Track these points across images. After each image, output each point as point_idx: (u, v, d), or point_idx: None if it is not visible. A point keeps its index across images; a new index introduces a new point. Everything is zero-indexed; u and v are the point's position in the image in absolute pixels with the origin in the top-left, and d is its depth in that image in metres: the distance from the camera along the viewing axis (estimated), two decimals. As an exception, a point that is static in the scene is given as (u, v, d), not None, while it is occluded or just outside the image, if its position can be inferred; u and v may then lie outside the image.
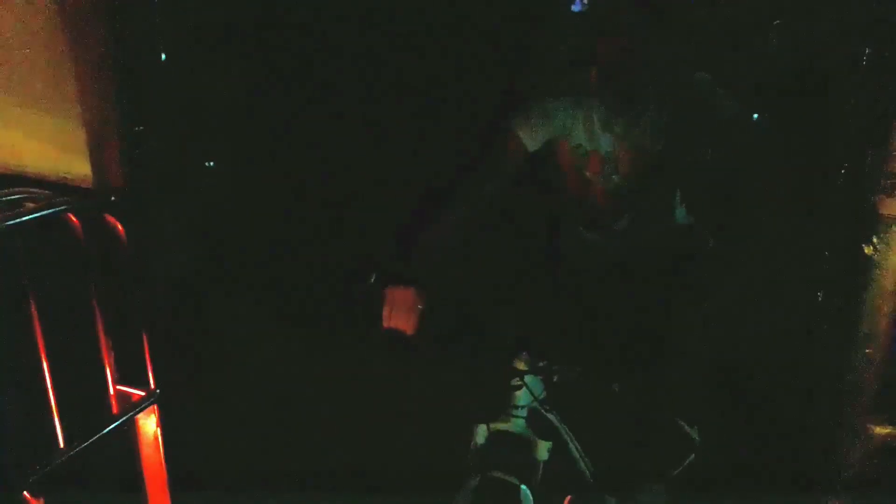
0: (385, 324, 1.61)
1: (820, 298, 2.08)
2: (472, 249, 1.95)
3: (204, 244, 2.44)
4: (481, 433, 1.71)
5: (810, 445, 2.13)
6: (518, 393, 1.68)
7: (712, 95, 1.79)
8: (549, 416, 1.73)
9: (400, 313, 1.60)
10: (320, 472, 2.15)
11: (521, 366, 1.67)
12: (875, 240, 1.88)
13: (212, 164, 2.51)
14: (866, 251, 1.89)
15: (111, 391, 1.83)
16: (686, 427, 2.00)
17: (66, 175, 1.90)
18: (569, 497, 1.84)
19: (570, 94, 1.85)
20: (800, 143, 2.09)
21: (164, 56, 2.16)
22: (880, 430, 2.00)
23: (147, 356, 1.85)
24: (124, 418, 1.81)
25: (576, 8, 2.52)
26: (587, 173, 1.89)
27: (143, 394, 1.85)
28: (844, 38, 2.03)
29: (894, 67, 1.88)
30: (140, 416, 1.87)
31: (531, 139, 1.86)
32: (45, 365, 1.64)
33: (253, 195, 2.65)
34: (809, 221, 2.11)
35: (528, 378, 1.67)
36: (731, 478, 2.06)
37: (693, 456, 1.97)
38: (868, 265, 1.88)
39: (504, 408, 1.71)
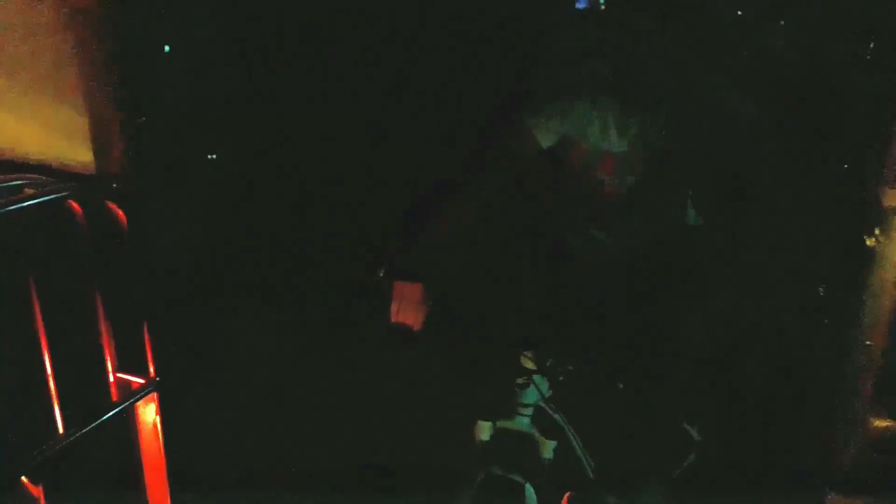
0: (392, 318, 1.60)
1: (822, 290, 2.08)
2: (480, 246, 1.95)
3: (206, 235, 2.44)
4: (486, 431, 1.71)
5: (810, 437, 2.12)
6: (524, 391, 1.68)
7: (726, 96, 1.80)
8: (555, 414, 1.73)
9: (408, 308, 1.59)
10: (323, 469, 2.15)
11: (529, 364, 1.67)
12: (877, 231, 1.87)
13: (214, 156, 2.51)
14: (868, 243, 1.88)
15: (111, 379, 1.83)
16: (687, 426, 2.00)
17: (68, 162, 1.89)
18: (568, 493, 1.84)
19: (585, 92, 1.84)
20: (803, 136, 2.08)
21: (167, 48, 2.17)
22: (879, 423, 1.99)
23: (147, 344, 1.85)
24: (123, 405, 1.81)
25: (580, 5, 2.51)
26: (600, 173, 1.88)
27: (142, 382, 1.85)
28: (848, 32, 2.02)
29: (897, 60, 1.88)
30: (139, 404, 1.86)
31: (544, 136, 1.84)
32: (44, 351, 1.63)
33: (257, 187, 2.65)
34: (812, 214, 2.10)
35: (535, 376, 1.67)
36: (731, 471, 2.05)
37: (693, 456, 1.97)
38: (870, 257, 1.88)
39: (509, 406, 1.70)
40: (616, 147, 1.83)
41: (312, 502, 2.11)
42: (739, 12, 2.43)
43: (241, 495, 2.11)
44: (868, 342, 1.93)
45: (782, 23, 2.25)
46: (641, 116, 1.79)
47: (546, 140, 1.84)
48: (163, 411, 1.87)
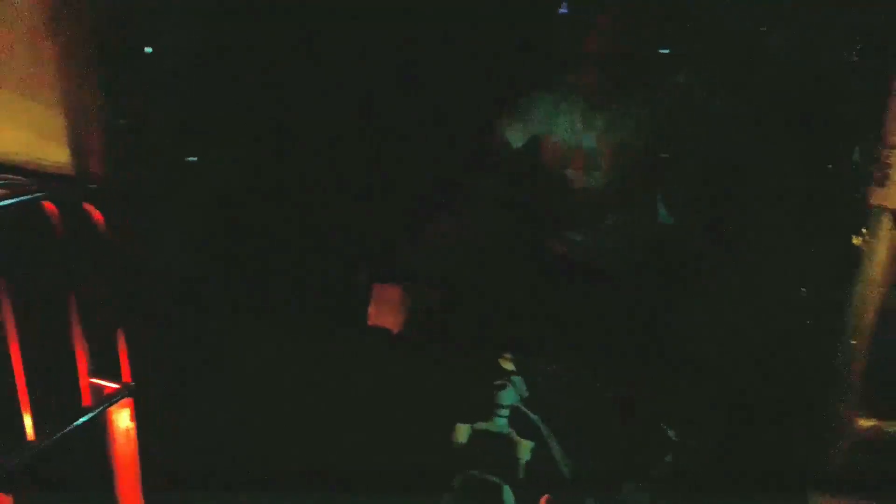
0: (371, 321, 1.62)
1: (807, 290, 2.06)
2: (459, 247, 1.94)
3: (184, 237, 2.42)
4: (464, 432, 1.71)
5: (794, 437, 2.09)
6: (502, 392, 1.68)
7: (694, 93, 1.83)
8: (532, 415, 1.73)
9: (386, 311, 1.60)
10: (300, 472, 2.11)
11: (507, 365, 1.67)
12: (864, 231, 1.85)
13: (195, 158, 2.50)
14: (855, 242, 1.86)
15: (84, 383, 1.80)
16: (665, 426, 1.98)
17: (44, 163, 1.88)
18: (546, 496, 1.82)
19: (553, 90, 1.88)
20: (788, 134, 2.07)
21: (148, 49, 2.16)
22: (865, 423, 1.96)
23: (122, 349, 1.82)
24: (97, 411, 1.77)
25: (563, 11, 2.55)
26: (570, 170, 1.91)
27: (117, 387, 1.82)
28: (835, 33, 2.02)
29: (884, 58, 1.87)
30: (113, 409, 1.83)
31: (515, 135, 1.89)
32: (16, 356, 1.60)
33: (237, 190, 2.64)
34: (798, 212, 2.09)
35: (513, 377, 1.67)
36: (716, 471, 2.02)
37: (671, 456, 1.95)
38: (857, 256, 1.85)
39: (486, 407, 1.70)
40: (585, 143, 1.86)
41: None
42: (720, 12, 2.43)
43: (218, 500, 2.07)
44: (853, 341, 1.90)
45: (763, 28, 2.25)
46: (608, 111, 1.82)
47: (516, 139, 1.87)
48: (137, 417, 1.84)
